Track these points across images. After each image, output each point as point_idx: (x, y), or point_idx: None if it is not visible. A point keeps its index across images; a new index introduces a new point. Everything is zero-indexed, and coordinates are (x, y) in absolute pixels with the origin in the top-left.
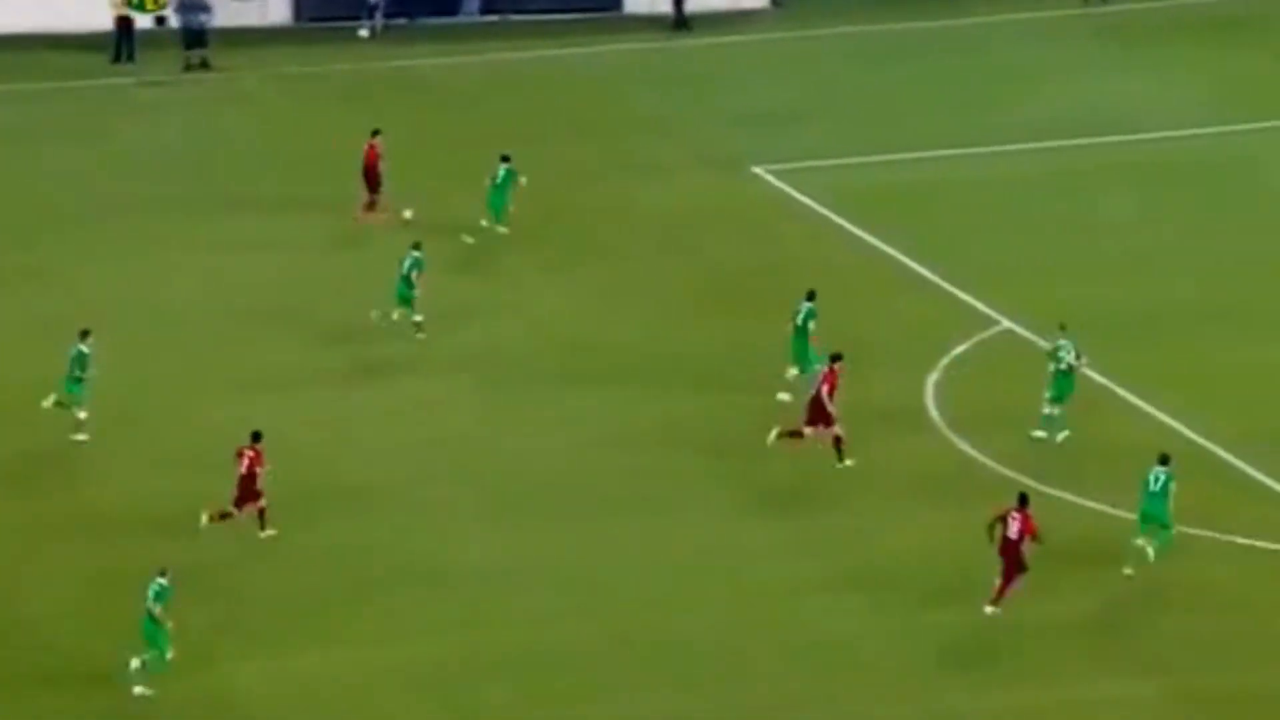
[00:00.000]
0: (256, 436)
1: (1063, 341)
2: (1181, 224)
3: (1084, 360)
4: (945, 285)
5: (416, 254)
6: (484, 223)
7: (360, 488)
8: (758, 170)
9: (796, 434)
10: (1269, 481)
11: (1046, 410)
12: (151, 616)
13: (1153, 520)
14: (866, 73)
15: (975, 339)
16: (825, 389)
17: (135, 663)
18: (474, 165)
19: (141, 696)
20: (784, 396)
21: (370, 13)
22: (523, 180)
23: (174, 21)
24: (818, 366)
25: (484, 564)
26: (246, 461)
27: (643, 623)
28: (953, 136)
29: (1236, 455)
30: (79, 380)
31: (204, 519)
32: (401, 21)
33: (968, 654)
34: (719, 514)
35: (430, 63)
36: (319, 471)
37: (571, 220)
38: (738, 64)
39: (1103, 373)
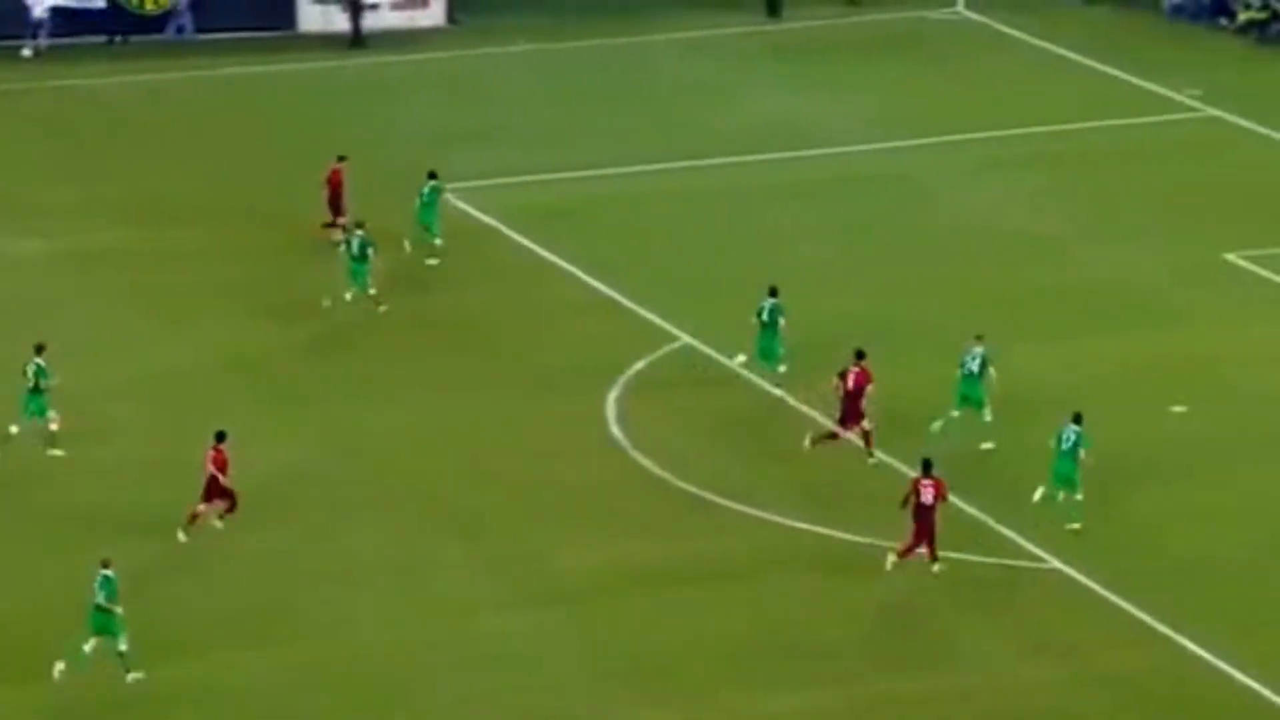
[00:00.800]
0: (221, 436)
1: (976, 349)
2: (851, 239)
3: (991, 373)
4: (625, 302)
5: (361, 234)
6: (407, 244)
7: None
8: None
9: (832, 436)
10: None
11: (955, 414)
12: (99, 608)
13: (1062, 479)
14: (547, 91)
15: (655, 355)
16: (854, 387)
17: (87, 648)
18: (135, 186)
19: (135, 680)
20: (777, 391)
21: (34, 32)
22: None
23: None
24: (781, 367)
25: None
26: (212, 463)
27: (325, 644)
28: (632, 153)
29: (907, 466)
30: (41, 393)
31: (180, 535)
32: (103, 39)
33: (644, 669)
34: (398, 532)
35: (100, 82)
36: None
37: (248, 241)
38: (416, 82)
39: (776, 384)
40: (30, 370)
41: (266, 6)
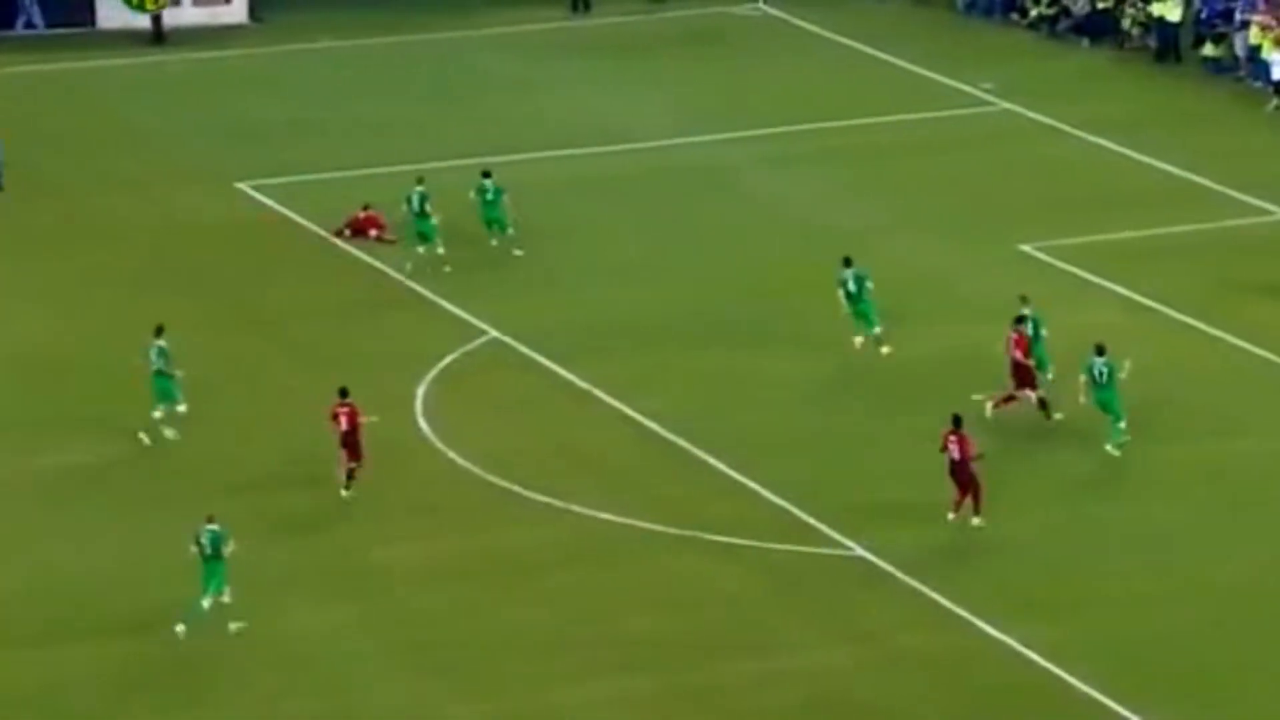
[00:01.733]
0: (344, 393)
1: (1025, 311)
2: (660, 233)
3: (1044, 333)
4: (432, 297)
5: (420, 189)
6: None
7: None
8: (242, 186)
9: (1010, 399)
10: (741, 478)
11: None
12: (206, 561)
13: (1108, 409)
14: (352, 87)
15: (463, 349)
16: (1019, 352)
17: (205, 604)
18: None
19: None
20: (885, 349)
21: None
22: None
23: None
24: (877, 329)
25: None
26: (345, 418)
27: (132, 645)
28: (438, 149)
29: (713, 455)
30: (169, 376)
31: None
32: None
33: (456, 663)
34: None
35: None
36: None
37: (52, 237)
38: (219, 79)
39: (585, 378)
40: (153, 354)
41: (65, 3)
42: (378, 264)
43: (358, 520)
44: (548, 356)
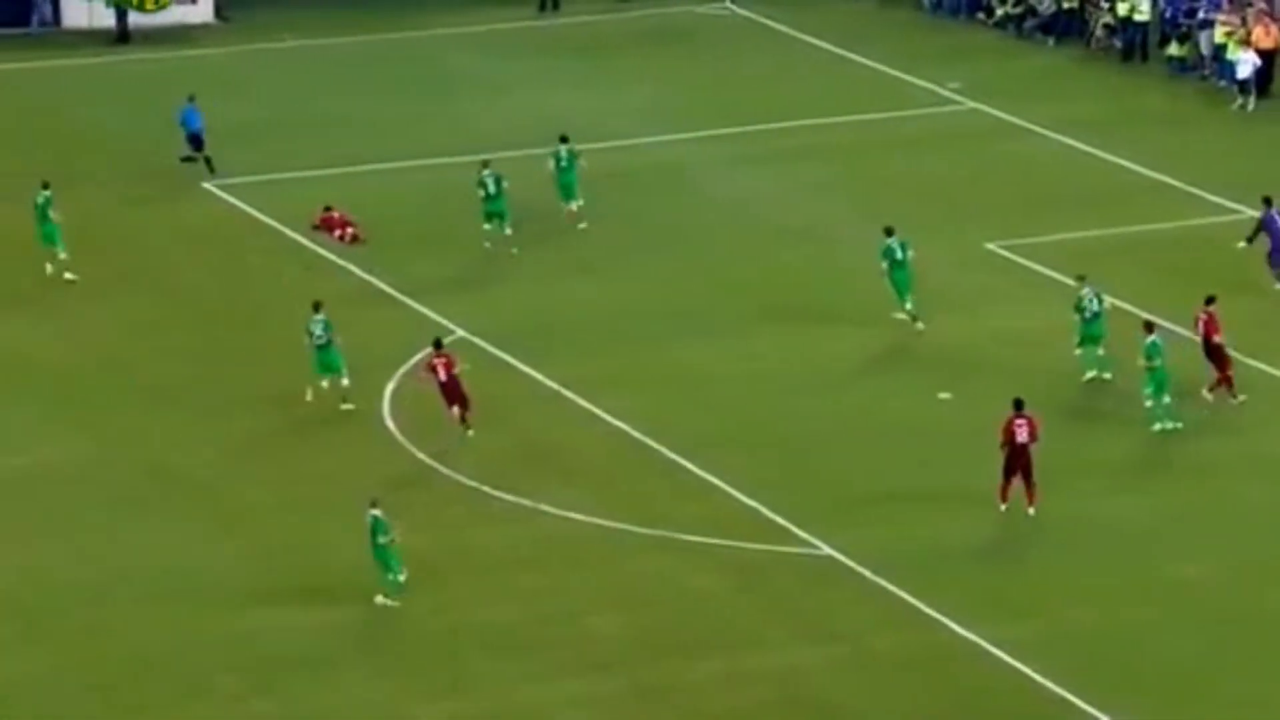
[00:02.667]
0: (439, 344)
1: (1084, 290)
2: (627, 232)
3: (1107, 303)
4: (400, 296)
5: (488, 171)
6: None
7: None
8: (209, 186)
9: (1225, 379)
10: (709, 477)
11: (1100, 352)
12: (376, 546)
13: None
14: (320, 86)
15: (431, 348)
16: (1216, 336)
17: (402, 578)
18: None
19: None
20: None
21: None
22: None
23: None
24: (909, 304)
25: None
26: (443, 369)
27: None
28: (405, 148)
29: (682, 455)
30: (328, 347)
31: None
32: None
33: (421, 664)
34: (169, 529)
35: None
36: None
37: (11, 241)
38: (184, 79)
39: (553, 377)
40: (317, 328)
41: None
42: (345, 264)
43: (323, 520)
44: (516, 355)
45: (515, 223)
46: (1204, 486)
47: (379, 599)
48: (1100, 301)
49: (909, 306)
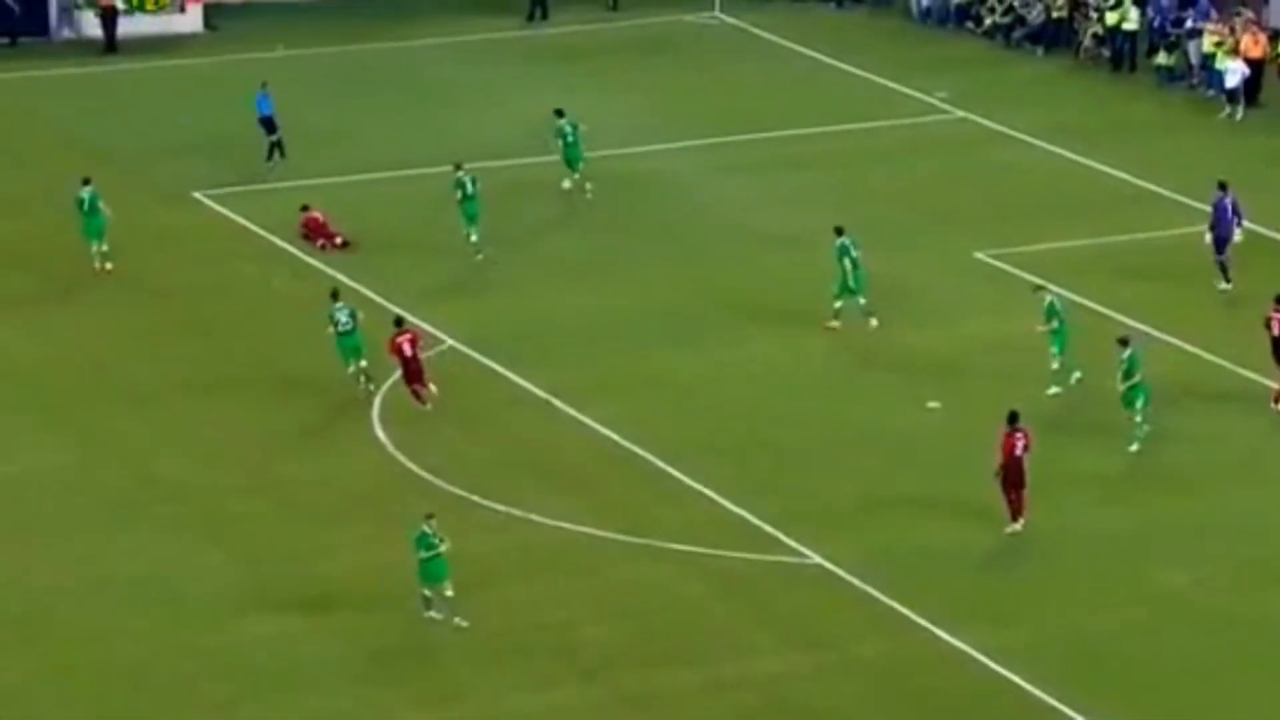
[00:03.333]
0: (399, 322)
1: (1050, 299)
2: (615, 241)
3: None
4: (391, 306)
5: (461, 174)
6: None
7: None
8: (199, 196)
9: None
10: (698, 486)
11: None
12: (434, 559)
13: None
14: (309, 96)
15: (421, 357)
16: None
17: (449, 592)
18: None
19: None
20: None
21: None
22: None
23: None
24: (861, 300)
25: None
26: (408, 345)
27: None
28: (396, 157)
29: (669, 463)
30: (349, 334)
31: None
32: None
33: (408, 672)
34: (154, 537)
35: None
36: None
37: (9, 249)
38: (174, 88)
39: (541, 385)
40: (342, 316)
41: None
42: (335, 273)
43: (311, 529)
44: (504, 364)
45: (509, 233)
46: (1190, 493)
47: (430, 613)
48: (1058, 307)
49: (862, 302)
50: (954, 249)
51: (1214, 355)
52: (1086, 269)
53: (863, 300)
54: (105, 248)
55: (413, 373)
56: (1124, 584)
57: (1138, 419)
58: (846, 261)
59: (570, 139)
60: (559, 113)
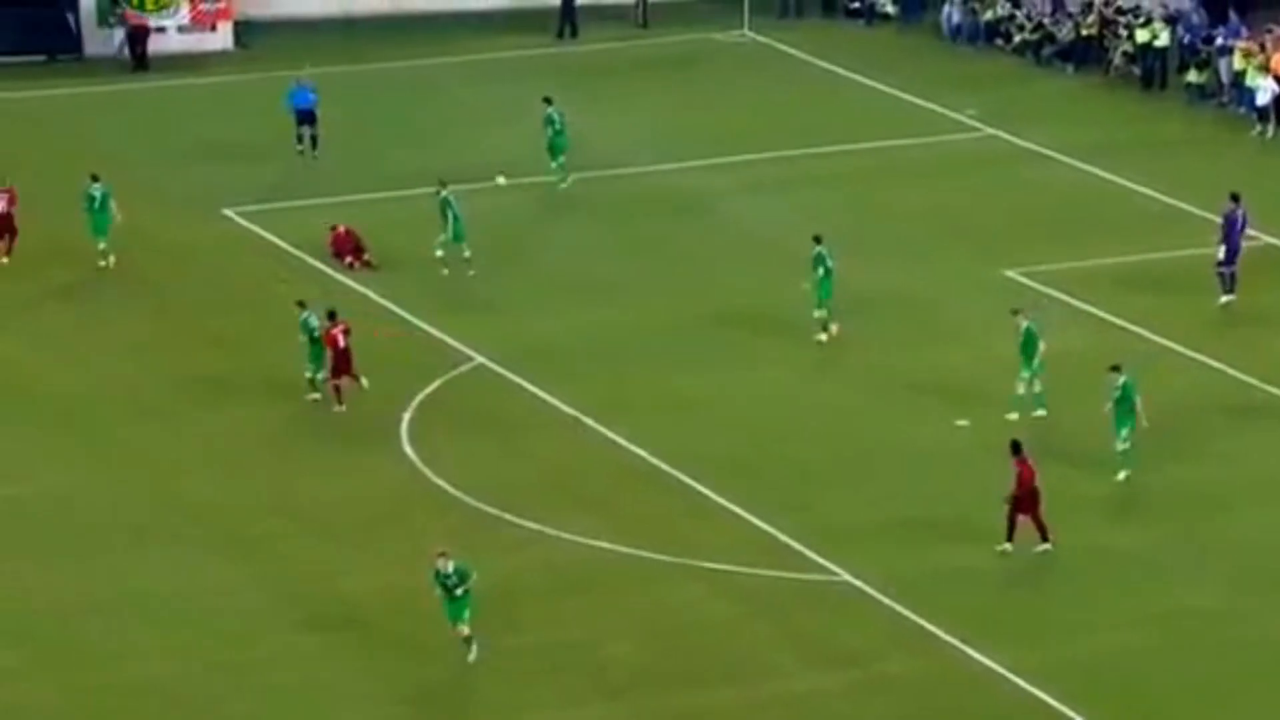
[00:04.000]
0: (333, 315)
1: (1025, 323)
2: (642, 258)
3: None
4: (419, 323)
5: (445, 191)
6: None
7: None
8: (228, 212)
9: None
10: (725, 503)
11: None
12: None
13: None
14: (336, 113)
15: (449, 375)
16: None
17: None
18: None
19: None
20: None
21: None
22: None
23: None
24: (818, 312)
25: None
26: (341, 337)
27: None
28: (421, 175)
29: (698, 480)
30: (319, 342)
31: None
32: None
33: (435, 692)
34: (179, 555)
35: None
36: None
37: (35, 263)
38: (203, 105)
39: (570, 403)
40: (313, 321)
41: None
42: (361, 289)
43: (338, 546)
44: (531, 380)
45: (537, 249)
46: (1210, 514)
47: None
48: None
49: (825, 312)
50: (983, 266)
51: (1245, 374)
52: (1116, 287)
53: (822, 312)
54: (103, 245)
55: (341, 366)
56: (1150, 603)
57: (1124, 446)
58: (820, 270)
59: (558, 126)
60: (547, 100)
